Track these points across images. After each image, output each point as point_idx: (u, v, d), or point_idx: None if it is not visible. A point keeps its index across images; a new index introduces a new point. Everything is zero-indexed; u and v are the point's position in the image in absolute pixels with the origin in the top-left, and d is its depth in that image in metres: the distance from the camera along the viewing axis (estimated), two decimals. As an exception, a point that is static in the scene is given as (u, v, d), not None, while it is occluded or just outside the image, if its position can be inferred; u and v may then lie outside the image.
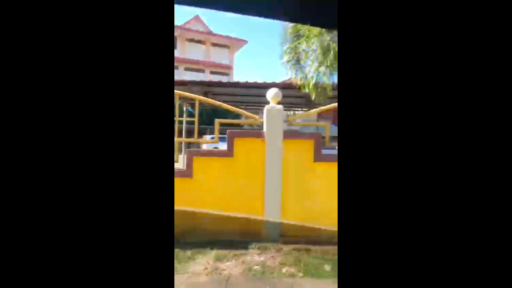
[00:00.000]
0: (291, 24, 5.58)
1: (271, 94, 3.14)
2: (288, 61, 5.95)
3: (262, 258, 2.67)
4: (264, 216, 3.05)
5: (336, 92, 6.37)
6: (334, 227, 3.12)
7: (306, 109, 9.26)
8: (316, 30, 5.19)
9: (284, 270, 2.47)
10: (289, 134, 3.14)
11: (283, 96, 3.40)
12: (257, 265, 2.53)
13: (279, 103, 3.18)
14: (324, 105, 3.37)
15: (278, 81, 7.07)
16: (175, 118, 3.36)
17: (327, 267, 2.51)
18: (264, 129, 3.12)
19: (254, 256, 2.71)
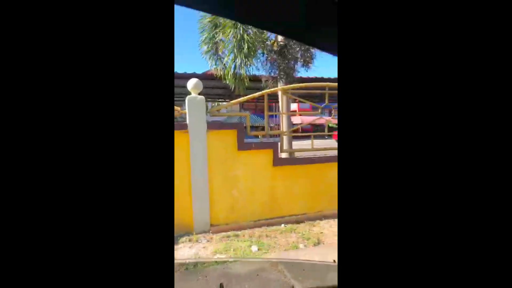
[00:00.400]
0: (208, 14, 5.50)
1: (192, 84, 3.08)
2: (206, 52, 5.87)
3: (193, 250, 2.67)
4: (193, 208, 3.03)
5: (253, 84, 6.62)
6: (260, 211, 3.34)
7: (229, 100, 9.37)
8: (231, 21, 5.24)
9: (215, 257, 2.53)
10: (212, 125, 3.16)
11: (206, 87, 3.37)
12: (189, 258, 2.52)
13: (200, 93, 3.14)
14: (244, 96, 3.48)
15: (199, 71, 6.92)
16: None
17: (254, 248, 2.69)
18: (187, 121, 3.05)
19: (185, 250, 2.69)
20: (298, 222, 3.35)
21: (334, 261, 2.53)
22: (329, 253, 2.51)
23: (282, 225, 3.28)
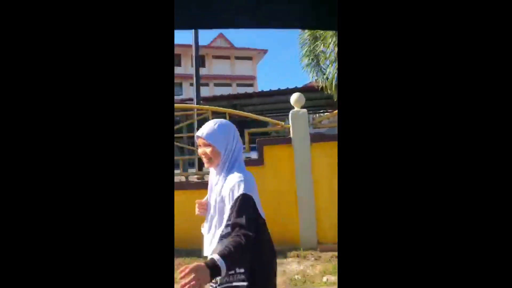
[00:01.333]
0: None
1: (294, 98, 3.12)
2: (307, 65, 5.92)
3: (301, 267, 2.61)
4: (300, 223, 2.99)
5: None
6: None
7: (331, 110, 9.09)
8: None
9: (324, 279, 2.38)
10: (316, 137, 3.08)
11: (307, 100, 3.36)
12: (297, 274, 2.47)
13: (303, 107, 3.14)
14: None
15: (300, 85, 7.03)
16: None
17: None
18: (291, 135, 3.09)
19: (294, 265, 2.65)
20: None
21: None
22: None
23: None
